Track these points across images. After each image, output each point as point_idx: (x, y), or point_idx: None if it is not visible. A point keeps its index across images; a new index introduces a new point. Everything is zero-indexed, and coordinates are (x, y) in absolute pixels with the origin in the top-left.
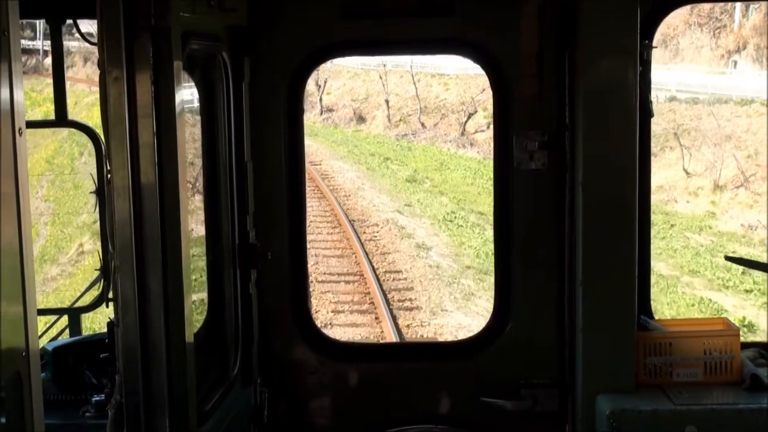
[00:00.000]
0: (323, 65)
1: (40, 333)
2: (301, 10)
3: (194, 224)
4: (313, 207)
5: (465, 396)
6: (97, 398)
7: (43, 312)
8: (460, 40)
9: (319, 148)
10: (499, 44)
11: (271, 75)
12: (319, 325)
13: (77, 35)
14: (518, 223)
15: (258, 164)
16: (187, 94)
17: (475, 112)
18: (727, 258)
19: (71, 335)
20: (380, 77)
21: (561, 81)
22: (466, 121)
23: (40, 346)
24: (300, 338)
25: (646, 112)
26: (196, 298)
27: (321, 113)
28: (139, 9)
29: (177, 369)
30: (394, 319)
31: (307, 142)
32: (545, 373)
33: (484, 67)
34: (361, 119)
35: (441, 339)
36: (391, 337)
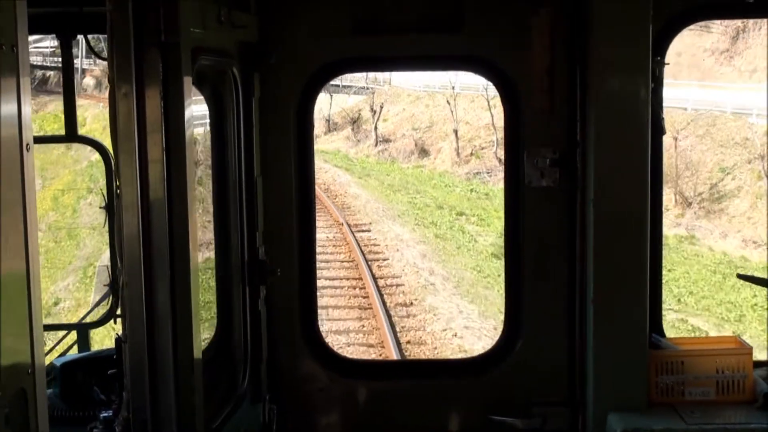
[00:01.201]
0: (381, 88)
1: (48, 349)
2: (312, 26)
3: (204, 240)
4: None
5: (475, 414)
6: (106, 414)
7: (51, 327)
8: (471, 56)
9: (368, 201)
10: (509, 60)
11: (282, 91)
12: None
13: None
14: (529, 241)
15: (268, 180)
16: (197, 110)
17: None
18: (740, 276)
19: (80, 351)
20: (447, 101)
21: (572, 97)
22: None
23: (49, 362)
24: (309, 355)
25: (658, 129)
26: (206, 314)
27: (376, 144)
28: (149, 25)
29: (185, 385)
30: None
31: (357, 190)
32: (556, 391)
33: (494, 83)
34: (423, 152)
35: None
36: None
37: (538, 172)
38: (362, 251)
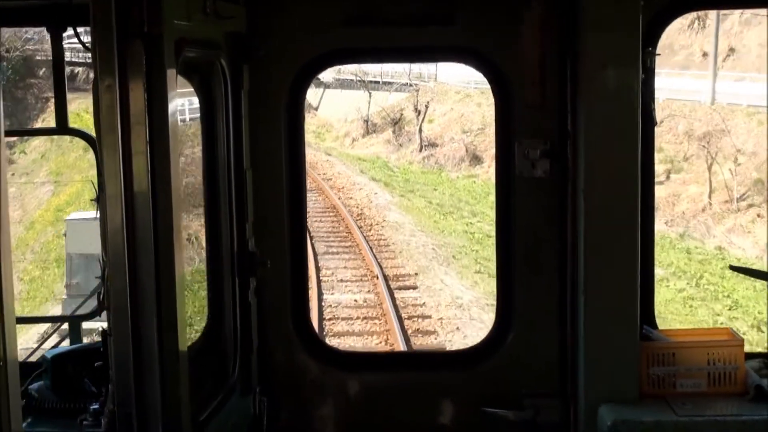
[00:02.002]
0: (426, 84)
1: (42, 340)
2: (302, 16)
3: (193, 231)
4: None
5: (467, 406)
6: (95, 407)
7: (43, 319)
8: (462, 48)
9: (413, 233)
10: (500, 52)
11: (272, 82)
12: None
13: None
14: (520, 232)
15: (258, 172)
16: (182, 102)
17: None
18: (732, 267)
19: (71, 343)
20: None
21: (563, 89)
22: None
23: (42, 354)
24: (300, 347)
25: (649, 120)
26: (196, 305)
27: (421, 149)
28: (132, 16)
29: (170, 378)
30: None
31: (398, 216)
32: (548, 383)
33: (485, 76)
34: (475, 159)
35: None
36: None
37: (530, 163)
38: (406, 335)
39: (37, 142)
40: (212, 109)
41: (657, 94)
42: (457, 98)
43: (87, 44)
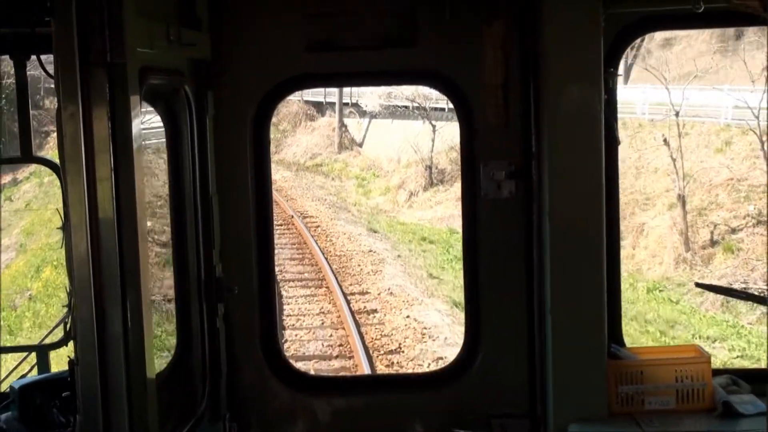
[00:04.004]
0: None
1: (9, 370)
2: (266, 43)
3: (160, 258)
4: None
5: (436, 427)
6: None
7: (11, 349)
8: (425, 70)
9: None
10: (463, 74)
11: (237, 108)
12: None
13: None
14: (486, 253)
15: (224, 198)
16: (147, 129)
17: None
18: (698, 285)
19: (39, 372)
20: (665, 140)
21: (526, 110)
22: None
23: (10, 384)
24: (270, 372)
25: (612, 140)
26: (162, 332)
27: None
28: (95, 45)
29: (138, 407)
30: None
31: None
32: (516, 404)
33: (448, 97)
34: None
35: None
36: None
37: (495, 184)
38: None
39: (28, 186)
40: (177, 135)
41: None
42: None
43: (51, 73)
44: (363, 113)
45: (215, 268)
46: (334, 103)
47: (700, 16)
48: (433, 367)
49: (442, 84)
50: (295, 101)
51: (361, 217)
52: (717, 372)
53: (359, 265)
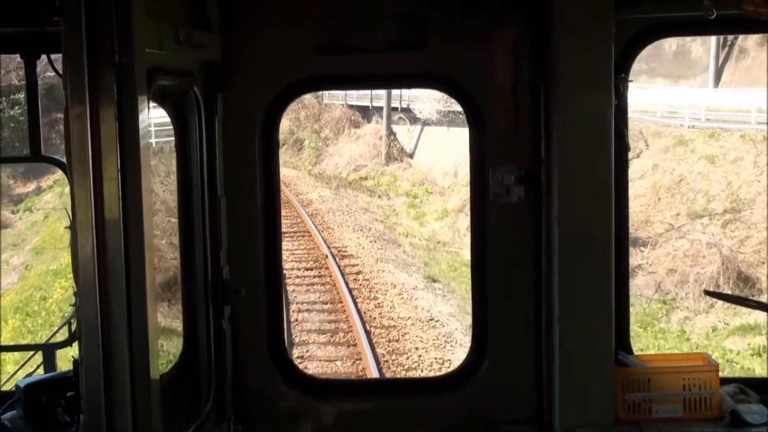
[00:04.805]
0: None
1: (16, 368)
2: (276, 45)
3: (168, 259)
4: None
5: None
6: None
7: (18, 348)
8: (435, 74)
9: None
10: (473, 78)
11: (246, 110)
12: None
13: None
14: (495, 258)
15: (232, 199)
16: (155, 130)
17: None
18: (707, 293)
19: (45, 371)
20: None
21: (536, 114)
22: None
23: (15, 382)
24: (276, 374)
25: (623, 146)
26: (171, 334)
27: None
28: (103, 46)
29: (142, 407)
30: None
31: None
32: (523, 410)
33: (458, 101)
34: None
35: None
36: None
37: (504, 189)
38: None
39: (50, 196)
40: (186, 136)
41: None
42: (660, 144)
43: (60, 73)
44: (414, 119)
45: (222, 270)
46: (381, 108)
47: (712, 22)
48: None
49: (451, 88)
50: (338, 105)
51: (415, 255)
52: (725, 381)
53: (417, 347)
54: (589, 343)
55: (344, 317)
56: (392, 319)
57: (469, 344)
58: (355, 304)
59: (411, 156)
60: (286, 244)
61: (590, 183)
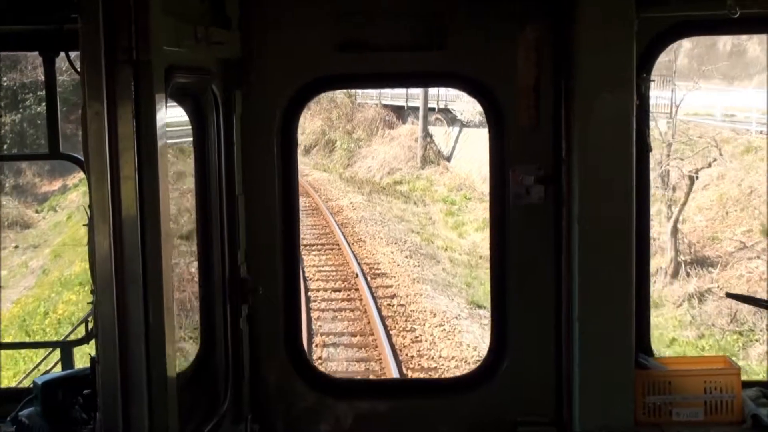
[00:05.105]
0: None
1: (34, 365)
2: (295, 43)
3: (185, 258)
4: None
5: None
6: None
7: (36, 345)
8: (455, 73)
9: None
10: (494, 77)
11: (265, 108)
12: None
13: None
14: (514, 258)
15: (250, 198)
16: (172, 127)
17: None
18: (729, 295)
19: (63, 368)
20: None
21: (557, 114)
22: None
23: (33, 379)
24: (293, 373)
25: (644, 146)
26: (189, 333)
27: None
28: (121, 43)
29: (158, 406)
30: None
31: None
32: (542, 411)
33: (478, 100)
34: None
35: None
36: None
37: (524, 188)
38: None
39: (75, 195)
40: (204, 134)
41: None
42: (726, 151)
43: (78, 70)
44: (452, 120)
45: (240, 269)
46: (417, 108)
47: (735, 21)
48: None
49: (471, 87)
50: (372, 105)
51: (456, 273)
52: (747, 384)
53: None
54: (609, 344)
55: (376, 354)
56: (433, 359)
57: None
58: (389, 337)
59: (448, 159)
60: (313, 259)
61: (611, 183)
